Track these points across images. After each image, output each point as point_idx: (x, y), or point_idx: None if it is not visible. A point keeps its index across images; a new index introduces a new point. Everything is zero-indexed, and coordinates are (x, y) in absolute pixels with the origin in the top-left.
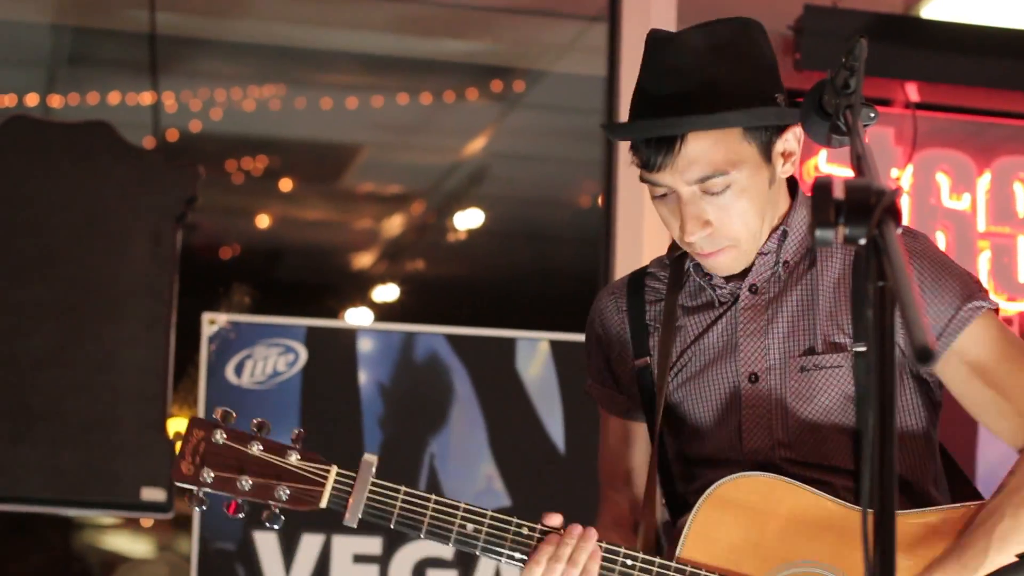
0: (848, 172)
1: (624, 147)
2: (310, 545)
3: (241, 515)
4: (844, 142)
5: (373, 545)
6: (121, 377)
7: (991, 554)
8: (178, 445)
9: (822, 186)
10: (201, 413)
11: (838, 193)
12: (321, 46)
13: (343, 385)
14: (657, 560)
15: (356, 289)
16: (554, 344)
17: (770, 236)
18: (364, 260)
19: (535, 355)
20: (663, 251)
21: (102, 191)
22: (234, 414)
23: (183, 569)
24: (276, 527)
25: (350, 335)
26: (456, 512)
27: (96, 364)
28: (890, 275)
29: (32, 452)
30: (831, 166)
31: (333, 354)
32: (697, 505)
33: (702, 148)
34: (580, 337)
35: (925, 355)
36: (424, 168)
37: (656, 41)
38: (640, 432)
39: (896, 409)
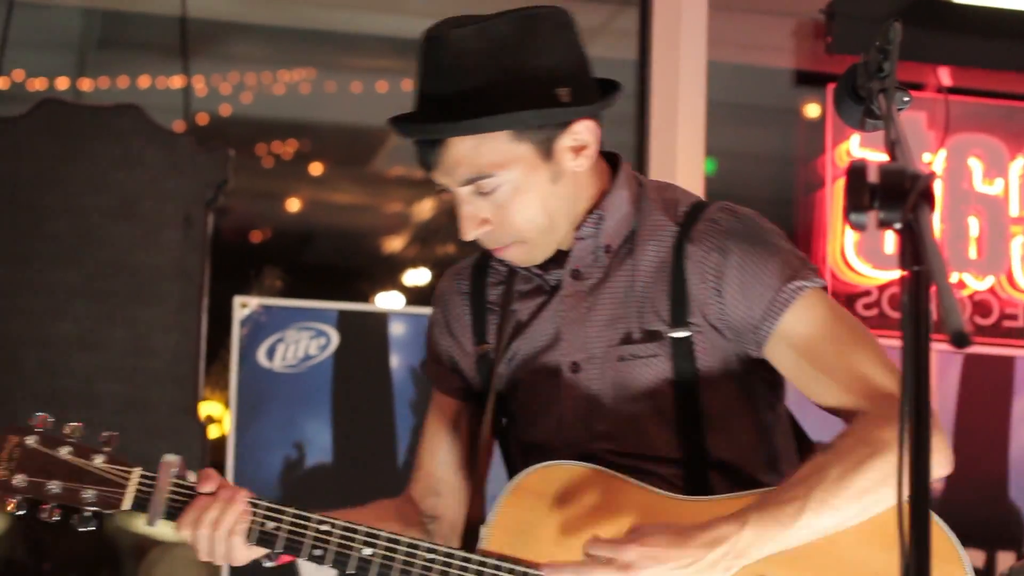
0: (881, 156)
1: (656, 132)
2: None
3: (21, 512)
4: (877, 126)
5: None
6: (153, 360)
7: (806, 515)
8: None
9: (857, 170)
10: (233, 396)
11: (872, 177)
12: (351, 29)
13: (375, 369)
14: (315, 517)
15: (387, 273)
16: None
17: (585, 220)
18: (395, 244)
19: None
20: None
21: (133, 175)
22: (52, 419)
23: None
24: (90, 528)
25: (381, 319)
26: (258, 508)
27: (128, 347)
28: (925, 259)
29: None
30: (864, 151)
31: (365, 338)
32: (500, 498)
33: (464, 151)
34: None
35: (960, 340)
36: None
37: (430, 39)
38: (470, 416)
39: (733, 395)
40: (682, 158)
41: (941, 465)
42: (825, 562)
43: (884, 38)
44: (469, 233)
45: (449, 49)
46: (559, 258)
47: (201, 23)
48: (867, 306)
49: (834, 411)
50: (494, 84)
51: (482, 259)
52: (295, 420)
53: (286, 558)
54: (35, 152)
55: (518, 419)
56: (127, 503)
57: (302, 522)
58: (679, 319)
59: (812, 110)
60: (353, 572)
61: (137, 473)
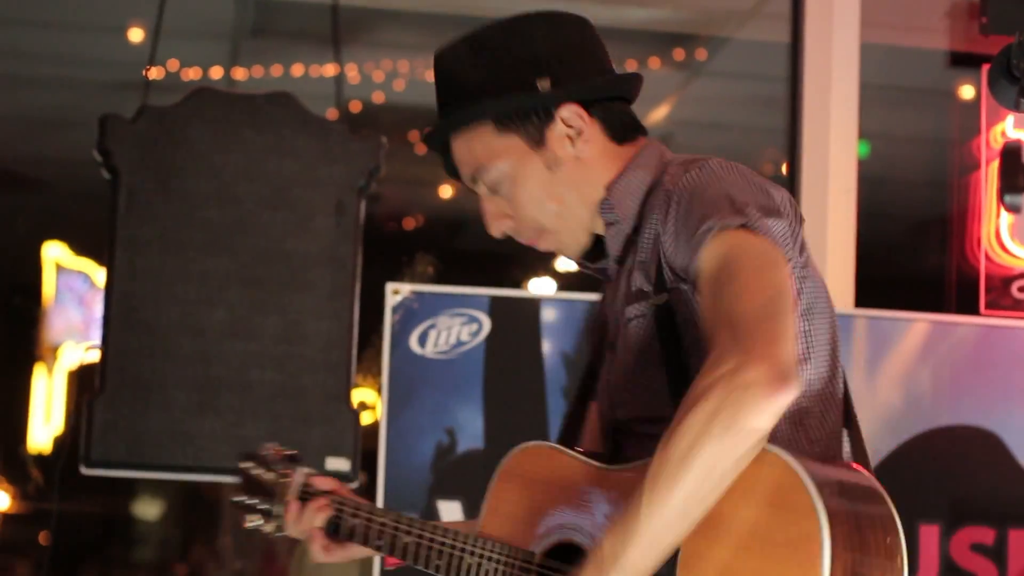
0: None
1: (809, 115)
2: None
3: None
4: None
5: None
6: (305, 347)
7: (646, 507)
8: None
9: (1011, 152)
10: (385, 383)
11: None
12: (502, 15)
13: (527, 355)
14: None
15: (539, 258)
16: None
17: (603, 208)
18: None
19: None
20: (846, 219)
21: (286, 162)
22: (273, 446)
23: None
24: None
25: (534, 304)
26: (344, 507)
27: (281, 335)
28: None
29: (217, 422)
30: (1019, 132)
31: (517, 324)
32: (491, 481)
33: (460, 151)
34: None
35: None
36: None
37: (434, 57)
38: None
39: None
40: (835, 141)
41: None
42: (714, 528)
43: None
44: (494, 229)
45: (443, 60)
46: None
47: (353, 10)
48: (1022, 289)
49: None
50: (472, 80)
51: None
52: (447, 406)
53: (393, 561)
54: (188, 141)
55: None
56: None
57: (367, 516)
58: (660, 280)
59: (966, 91)
60: (401, 557)
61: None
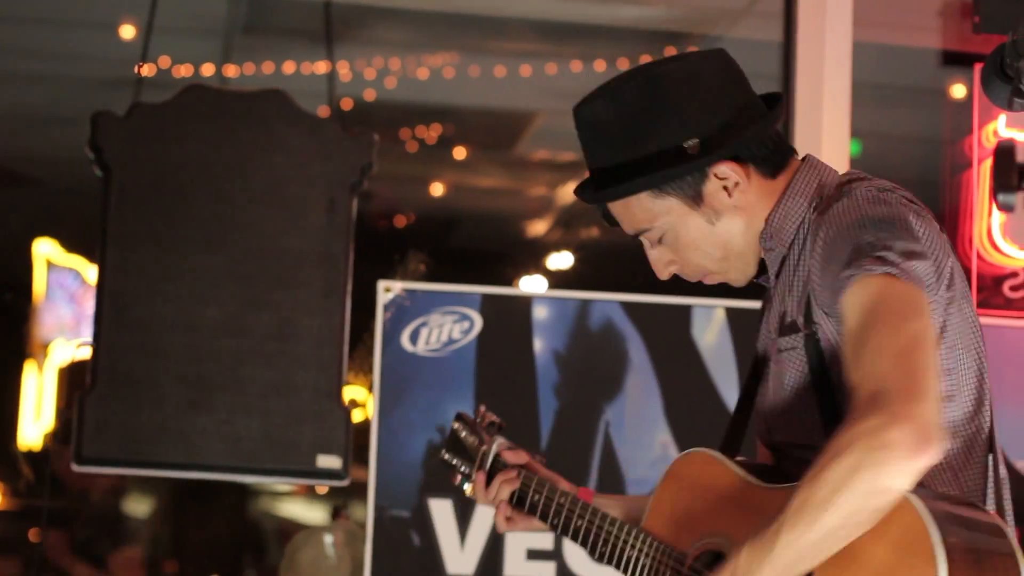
0: None
1: (801, 113)
2: (485, 512)
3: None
4: None
5: None
6: (297, 345)
7: (783, 534)
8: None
9: (1004, 151)
10: (377, 380)
11: (1020, 158)
12: (495, 13)
13: (518, 353)
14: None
15: (531, 256)
16: (730, 311)
17: (762, 238)
18: (538, 227)
19: (711, 322)
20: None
21: (278, 159)
22: (484, 410)
23: (358, 537)
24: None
25: (525, 303)
26: (530, 483)
27: (272, 332)
28: None
29: (209, 420)
30: (1011, 131)
31: (508, 322)
32: (657, 481)
33: (619, 212)
34: (756, 304)
35: None
36: None
37: (574, 114)
38: None
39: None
40: (827, 139)
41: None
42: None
43: None
44: (662, 274)
45: (586, 124)
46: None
47: (345, 8)
48: (1013, 288)
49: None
50: (624, 152)
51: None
52: (438, 404)
53: None
54: (180, 138)
55: None
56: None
57: (549, 495)
58: (808, 316)
59: (958, 90)
60: (571, 538)
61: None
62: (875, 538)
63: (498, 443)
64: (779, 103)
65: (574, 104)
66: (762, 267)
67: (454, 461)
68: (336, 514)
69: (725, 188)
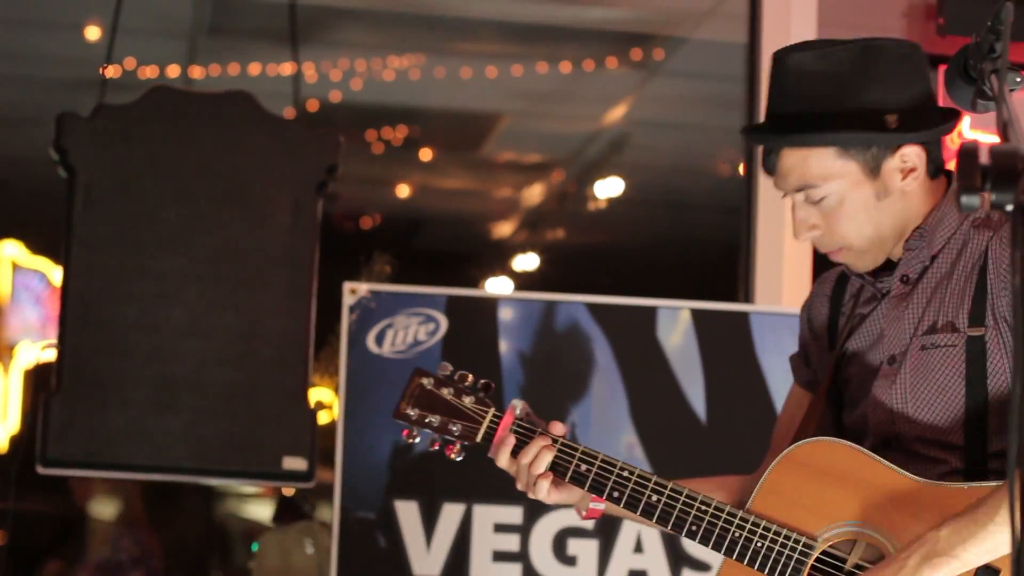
0: (993, 138)
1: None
2: (451, 514)
3: (412, 441)
4: (989, 107)
5: (514, 515)
6: (262, 347)
7: (1001, 513)
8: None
9: (968, 152)
10: (343, 382)
11: (984, 159)
12: (461, 15)
13: (484, 354)
14: (600, 455)
15: (496, 258)
16: (695, 312)
17: (912, 235)
18: (504, 229)
19: (676, 324)
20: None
21: (242, 161)
22: (450, 367)
23: (324, 537)
24: (459, 459)
25: (491, 304)
26: (575, 453)
27: (237, 334)
28: None
29: (175, 421)
30: (975, 132)
31: (474, 323)
32: (772, 464)
33: (794, 162)
34: (720, 305)
35: None
36: (564, 137)
37: (776, 60)
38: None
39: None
40: None
41: None
42: None
43: (996, 18)
44: (801, 235)
45: (791, 71)
46: (890, 266)
47: (310, 9)
48: None
49: None
50: (825, 106)
51: (844, 272)
52: None
53: (594, 514)
54: (145, 139)
55: (844, 412)
56: (480, 436)
57: (607, 466)
58: (977, 317)
59: None
60: (640, 513)
61: (490, 413)
62: None
63: (522, 405)
64: (955, 113)
65: (778, 52)
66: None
67: (430, 418)
68: (289, 512)
69: (902, 170)
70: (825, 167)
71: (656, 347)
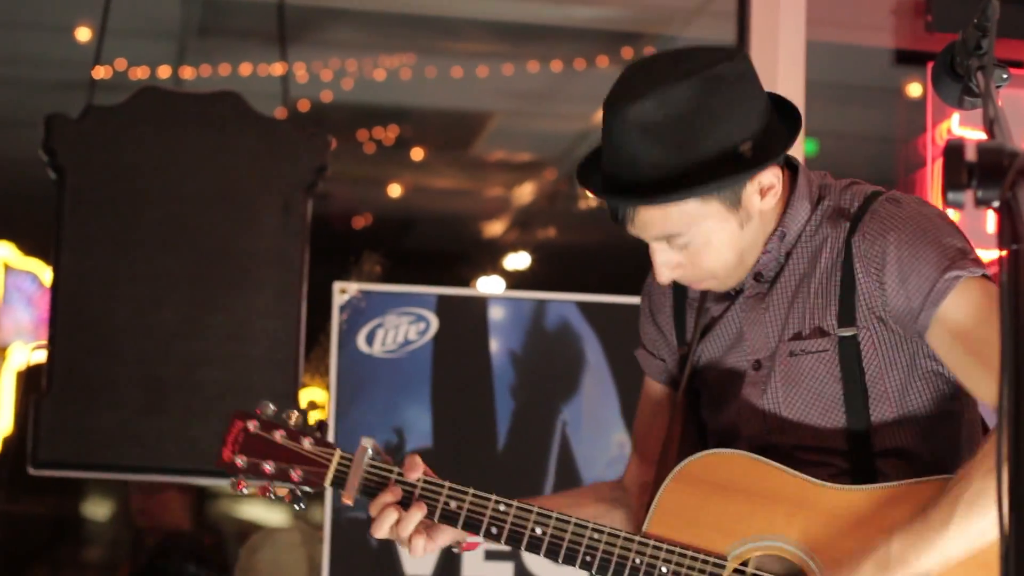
0: (980, 135)
1: None
2: None
3: (241, 492)
4: (976, 104)
5: None
6: (253, 347)
7: (956, 519)
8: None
9: (954, 149)
10: (333, 382)
11: (970, 156)
12: (451, 14)
13: (474, 353)
14: (471, 491)
15: (487, 257)
16: None
17: (770, 239)
18: (495, 228)
19: None
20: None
21: (232, 161)
22: (273, 408)
23: (316, 538)
24: (300, 507)
25: (481, 303)
26: (441, 490)
27: (228, 334)
28: None
29: (166, 422)
30: (964, 129)
31: (464, 322)
32: (664, 483)
33: (652, 217)
34: None
35: None
36: (555, 136)
37: (612, 111)
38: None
39: (899, 388)
40: None
41: None
42: None
43: (982, 15)
44: (665, 278)
45: (633, 125)
46: None
47: (300, 9)
48: None
49: (984, 396)
50: (678, 157)
51: None
52: (395, 405)
53: (471, 546)
54: (135, 140)
55: (707, 410)
56: (327, 481)
57: (481, 502)
58: (847, 317)
59: (913, 89)
60: (524, 549)
61: (337, 455)
62: None
63: (372, 443)
64: (789, 104)
65: (610, 101)
66: None
67: (264, 465)
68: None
69: (760, 191)
70: (688, 215)
71: None
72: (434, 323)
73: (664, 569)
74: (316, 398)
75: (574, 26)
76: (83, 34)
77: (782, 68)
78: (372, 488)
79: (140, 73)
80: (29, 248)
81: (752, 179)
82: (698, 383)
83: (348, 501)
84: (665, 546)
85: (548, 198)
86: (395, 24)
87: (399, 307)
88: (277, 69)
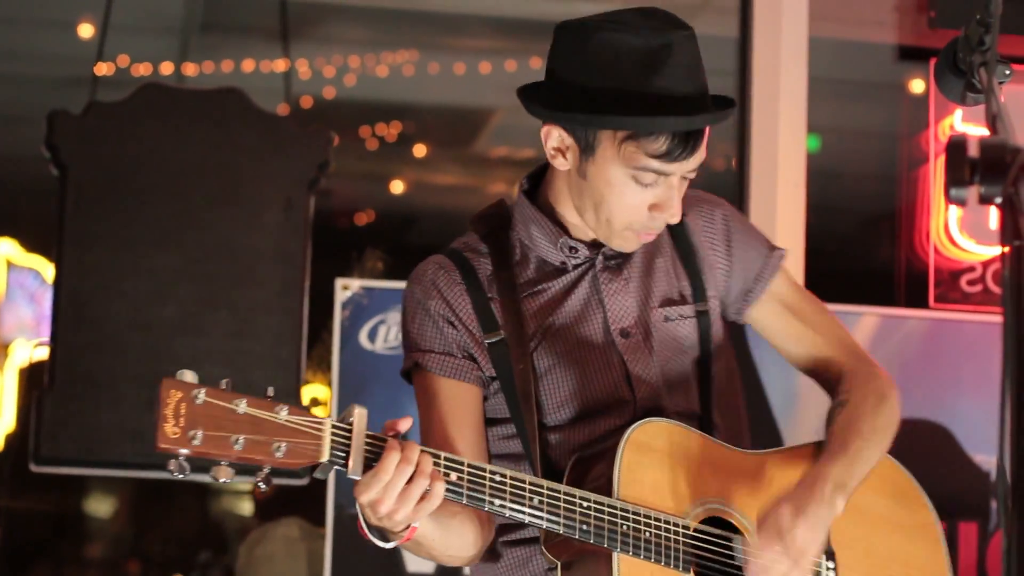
0: (983, 131)
1: (758, 109)
2: None
3: (181, 476)
4: (979, 100)
5: None
6: (255, 343)
7: (871, 449)
8: (164, 409)
9: (956, 145)
10: (335, 378)
11: (973, 152)
12: (454, 10)
13: None
14: (509, 473)
15: None
16: None
17: None
18: None
19: None
20: (795, 213)
21: (235, 158)
22: (192, 373)
23: (316, 534)
24: (264, 487)
25: None
26: (438, 460)
27: (230, 330)
28: None
29: None
30: (967, 125)
31: None
32: (619, 449)
33: (704, 141)
34: None
35: None
36: None
37: (661, 34)
38: (478, 401)
39: (725, 363)
40: (784, 135)
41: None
42: (870, 551)
43: (985, 11)
44: (675, 218)
45: (683, 50)
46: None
47: (303, 6)
48: (971, 282)
49: (814, 363)
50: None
51: (455, 254)
52: (397, 402)
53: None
54: (137, 136)
55: (554, 392)
56: (324, 455)
57: (479, 471)
58: (698, 294)
59: (916, 85)
60: (528, 522)
61: (329, 423)
62: (875, 491)
63: (359, 411)
64: None
65: (656, 28)
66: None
67: (232, 438)
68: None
69: None
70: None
71: None
72: None
73: (648, 535)
74: (318, 395)
75: None
76: (85, 30)
77: (784, 64)
78: (372, 461)
79: (142, 69)
80: (31, 245)
81: None
82: (545, 365)
83: (356, 475)
84: (643, 511)
85: None
86: (398, 20)
87: (401, 304)
88: (279, 65)
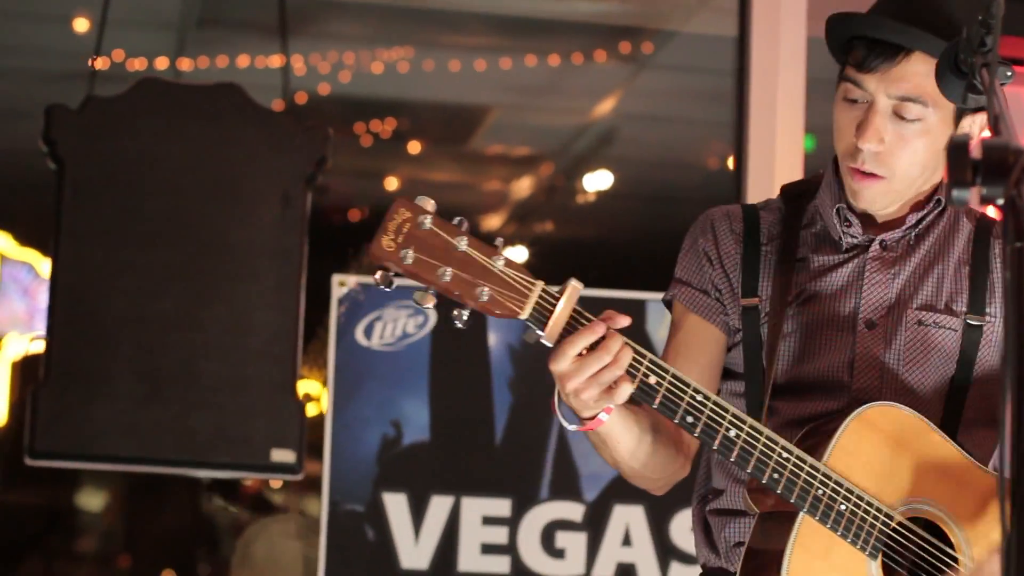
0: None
1: (756, 109)
2: (439, 507)
3: (387, 288)
4: (980, 101)
5: (502, 507)
6: (251, 339)
7: None
8: (389, 225)
9: (958, 145)
10: (331, 374)
11: (975, 153)
12: (449, 7)
13: (473, 347)
14: (671, 370)
15: None
16: None
17: (929, 199)
18: (493, 222)
19: (666, 317)
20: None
21: (231, 153)
22: (433, 203)
23: (312, 530)
24: (460, 325)
25: None
26: (642, 359)
27: (226, 326)
28: None
29: (163, 414)
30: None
31: None
32: (847, 421)
33: (919, 70)
34: None
35: None
36: (553, 130)
37: None
38: (719, 344)
39: (993, 398)
40: (781, 135)
41: None
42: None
43: (987, 12)
44: (866, 142)
45: None
46: (864, 220)
47: (300, 2)
48: None
49: None
50: (954, 19)
51: (749, 207)
52: (393, 398)
53: (597, 423)
54: (134, 131)
55: (786, 357)
56: (526, 312)
57: (681, 385)
58: (976, 306)
59: None
60: (716, 448)
61: (539, 286)
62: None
63: (574, 283)
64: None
65: None
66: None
67: (441, 270)
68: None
69: (979, 128)
70: (933, 96)
71: (645, 340)
72: (432, 316)
73: (843, 507)
74: (314, 391)
75: (573, 20)
76: (82, 25)
77: (783, 64)
78: (570, 332)
79: (138, 64)
80: (25, 238)
81: (973, 114)
82: (789, 329)
83: (550, 341)
84: (846, 484)
85: (546, 192)
86: (393, 17)
87: (397, 300)
88: (275, 61)
